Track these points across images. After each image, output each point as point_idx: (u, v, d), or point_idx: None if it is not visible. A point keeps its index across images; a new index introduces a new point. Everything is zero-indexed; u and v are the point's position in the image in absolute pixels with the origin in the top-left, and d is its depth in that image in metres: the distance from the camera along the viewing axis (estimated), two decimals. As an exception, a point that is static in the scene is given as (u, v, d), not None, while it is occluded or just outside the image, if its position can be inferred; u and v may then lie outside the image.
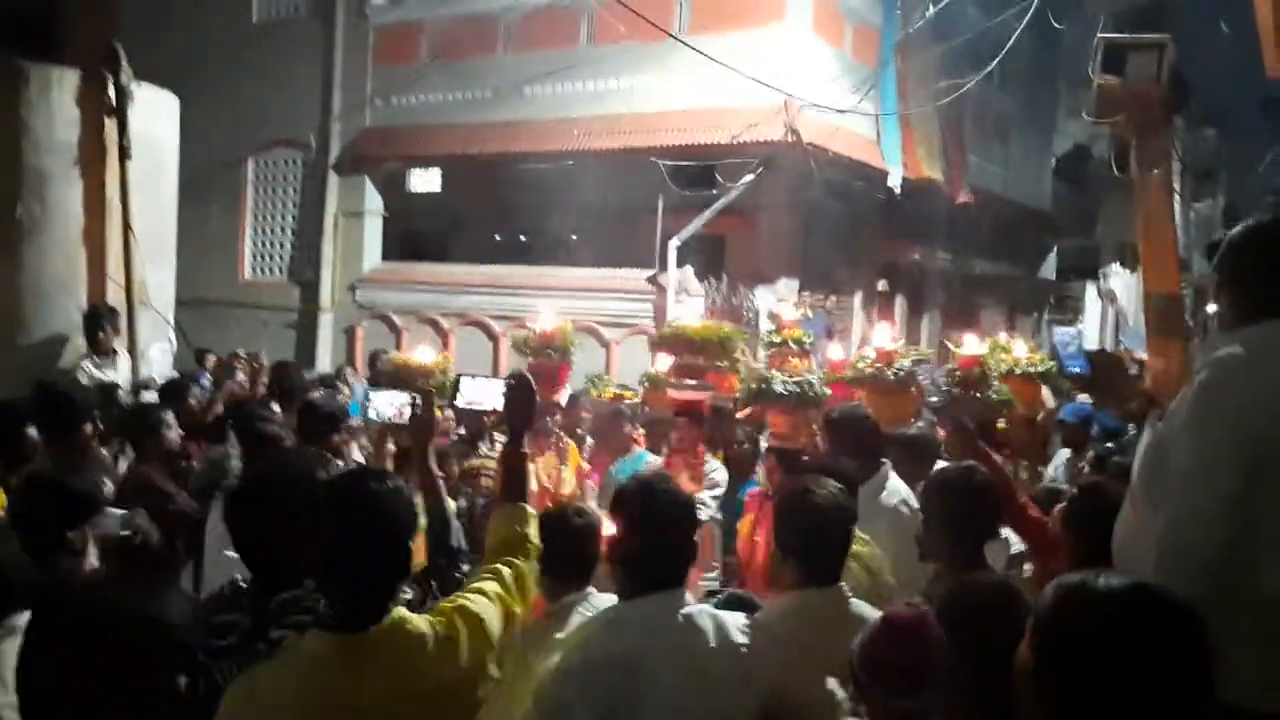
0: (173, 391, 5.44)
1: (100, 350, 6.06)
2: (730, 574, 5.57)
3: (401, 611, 2.06)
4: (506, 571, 2.35)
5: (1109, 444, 6.21)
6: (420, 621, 2.08)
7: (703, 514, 5.34)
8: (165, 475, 4.43)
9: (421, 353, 5.04)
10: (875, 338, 5.81)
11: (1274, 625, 1.95)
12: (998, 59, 8.31)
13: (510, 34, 11.16)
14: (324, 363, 12.54)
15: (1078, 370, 5.30)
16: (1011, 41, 8.02)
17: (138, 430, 4.59)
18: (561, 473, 5.83)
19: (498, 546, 2.47)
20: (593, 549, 3.11)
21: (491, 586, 2.30)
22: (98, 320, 6.10)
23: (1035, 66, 11.51)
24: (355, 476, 2.21)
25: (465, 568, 2.79)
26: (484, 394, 2.77)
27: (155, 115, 6.43)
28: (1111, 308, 19.82)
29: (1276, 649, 1.93)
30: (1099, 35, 5.77)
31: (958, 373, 6.11)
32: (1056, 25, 7.70)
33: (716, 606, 3.14)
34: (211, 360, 8.25)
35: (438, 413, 3.13)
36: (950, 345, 6.21)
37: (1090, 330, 19.29)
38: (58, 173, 5.95)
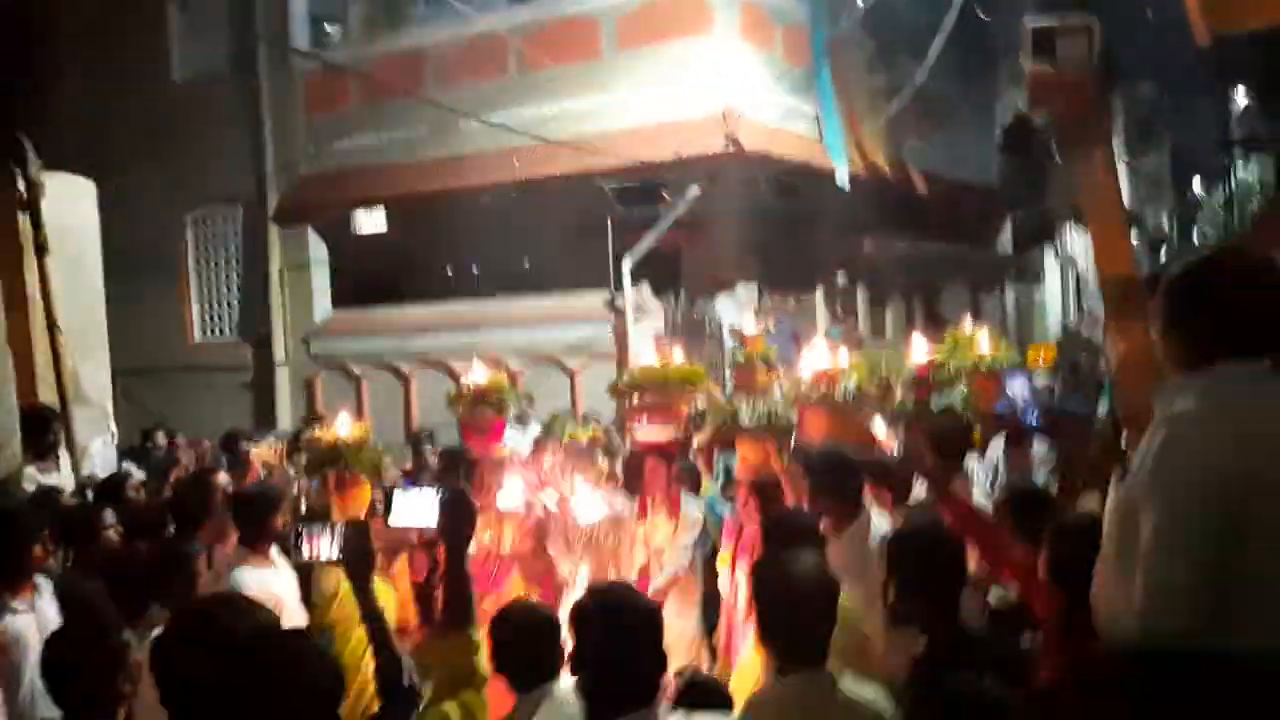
0: (110, 489, 5.19)
1: (42, 454, 5.81)
2: (710, 605, 5.42)
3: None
4: (455, 716, 2.20)
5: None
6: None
7: (684, 558, 5.22)
8: (100, 581, 4.19)
9: (341, 423, 4.74)
10: (811, 357, 5.44)
11: (1247, 687, 1.86)
12: (935, 49, 8.17)
13: (438, 69, 10.96)
14: (285, 419, 12.28)
15: (1034, 423, 5.19)
16: (948, 30, 7.89)
17: (72, 534, 4.31)
18: (502, 531, 5.54)
19: (445, 681, 2.32)
20: (550, 645, 2.92)
21: (438, 734, 2.15)
22: (44, 423, 5.84)
23: (969, 41, 11.47)
24: (274, 643, 2.03)
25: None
26: (418, 509, 2.58)
27: (71, 202, 6.19)
28: (1072, 272, 19.90)
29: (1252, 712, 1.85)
30: (1025, 22, 5.69)
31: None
32: (984, 18, 7.59)
33: (680, 690, 3.00)
34: (161, 438, 8.00)
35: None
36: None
37: (1052, 298, 19.35)
38: (-27, 275, 5.70)
